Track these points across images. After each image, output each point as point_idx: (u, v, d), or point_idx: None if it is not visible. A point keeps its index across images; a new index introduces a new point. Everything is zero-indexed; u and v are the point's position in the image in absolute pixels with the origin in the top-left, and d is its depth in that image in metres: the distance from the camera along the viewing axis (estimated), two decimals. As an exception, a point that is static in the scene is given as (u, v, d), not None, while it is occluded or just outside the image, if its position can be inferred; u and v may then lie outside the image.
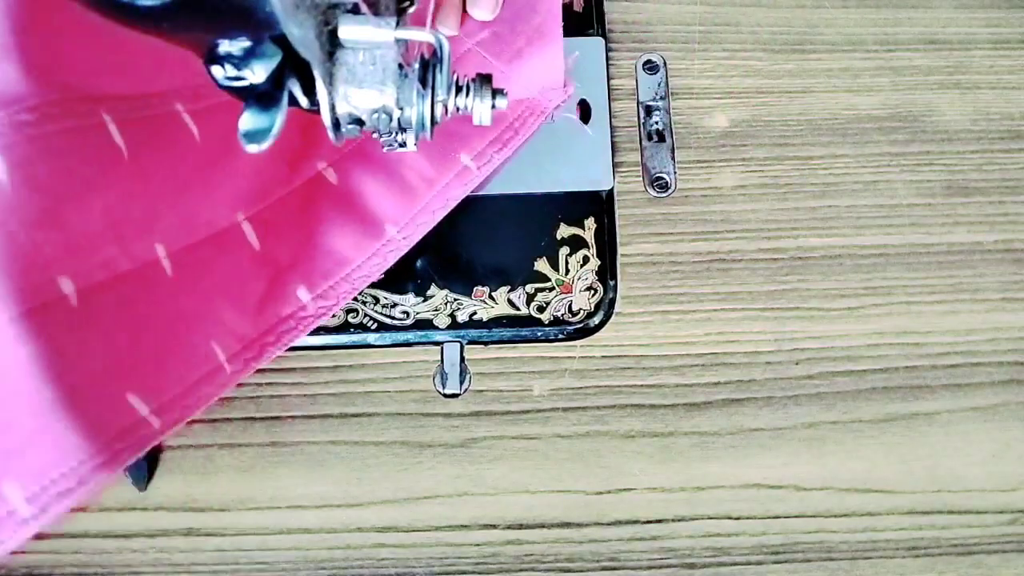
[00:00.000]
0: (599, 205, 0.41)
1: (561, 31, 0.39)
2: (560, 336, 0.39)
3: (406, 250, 0.38)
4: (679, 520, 0.37)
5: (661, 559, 0.36)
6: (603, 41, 0.44)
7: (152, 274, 0.33)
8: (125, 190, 0.32)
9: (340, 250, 0.38)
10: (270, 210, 0.38)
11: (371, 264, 0.38)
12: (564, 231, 0.40)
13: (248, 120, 0.25)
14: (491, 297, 0.39)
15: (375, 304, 0.39)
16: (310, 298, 0.37)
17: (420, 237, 0.38)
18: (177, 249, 0.34)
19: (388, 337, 0.39)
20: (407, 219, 0.38)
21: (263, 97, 0.25)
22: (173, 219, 0.34)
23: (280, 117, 0.25)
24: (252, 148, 0.25)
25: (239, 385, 0.38)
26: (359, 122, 0.27)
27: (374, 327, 0.39)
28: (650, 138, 0.42)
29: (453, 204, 0.38)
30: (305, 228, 0.38)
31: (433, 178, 0.39)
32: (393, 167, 0.39)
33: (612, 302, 0.39)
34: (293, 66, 0.25)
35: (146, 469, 0.37)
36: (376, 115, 0.27)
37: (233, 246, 0.37)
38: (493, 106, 0.31)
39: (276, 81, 0.25)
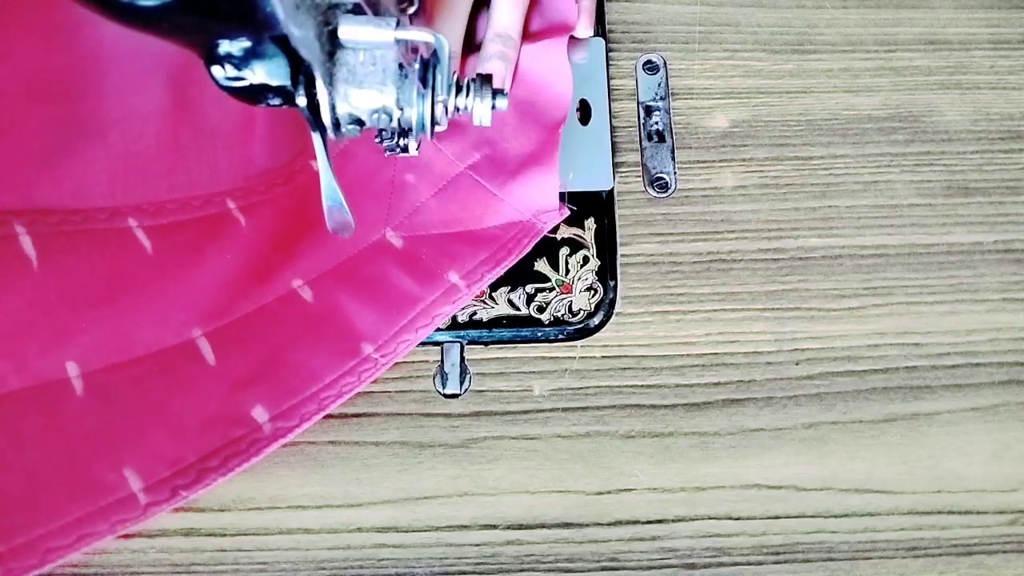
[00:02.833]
0: (599, 205, 0.41)
1: (557, 155, 0.38)
2: (560, 336, 0.39)
3: (383, 371, 0.36)
4: (679, 520, 0.37)
5: (661, 559, 0.36)
6: (603, 41, 0.44)
7: (55, 394, 0.31)
8: (28, 303, 0.30)
9: (309, 366, 0.35)
10: (233, 326, 0.35)
11: (342, 384, 0.35)
12: (564, 231, 0.40)
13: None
14: (491, 297, 0.39)
15: (375, 304, 0.39)
16: (267, 418, 0.34)
17: (401, 357, 0.36)
18: (99, 368, 0.32)
19: (388, 337, 0.39)
20: (387, 337, 0.36)
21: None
22: (98, 336, 0.32)
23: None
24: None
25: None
26: (359, 122, 0.27)
27: (374, 327, 0.39)
28: (650, 138, 0.42)
29: (440, 321, 0.37)
30: (270, 343, 0.35)
31: (418, 296, 0.37)
32: (375, 284, 0.37)
33: (612, 302, 0.39)
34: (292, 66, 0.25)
35: None
36: (376, 115, 0.27)
37: (181, 363, 0.34)
38: (493, 106, 0.31)
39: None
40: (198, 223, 0.34)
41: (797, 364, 0.39)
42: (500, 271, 0.38)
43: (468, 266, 0.38)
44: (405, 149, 0.30)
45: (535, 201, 0.39)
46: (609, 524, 0.37)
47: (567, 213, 0.39)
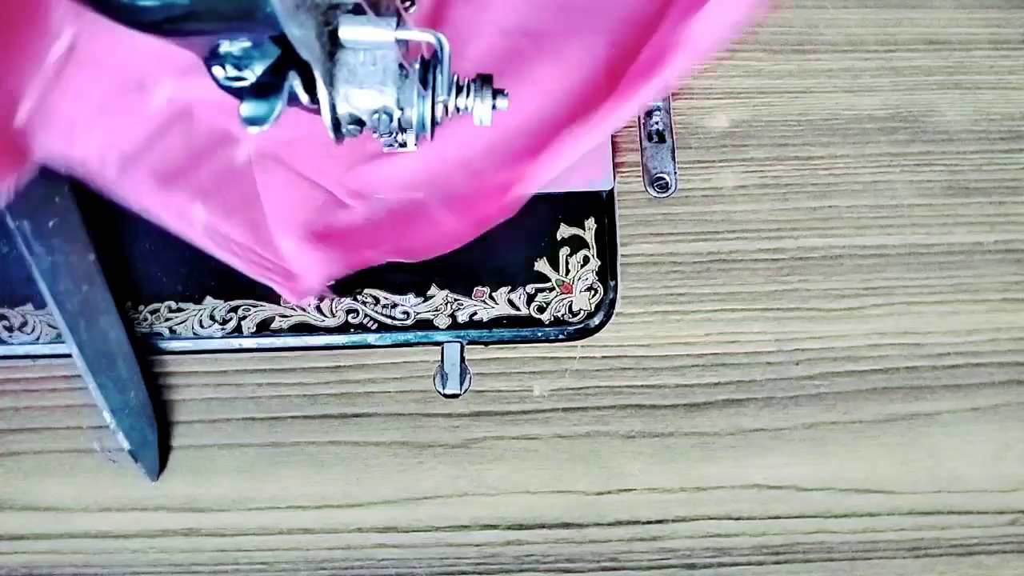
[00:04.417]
0: (599, 205, 0.41)
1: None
2: (560, 336, 0.39)
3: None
4: (679, 520, 0.37)
5: (661, 559, 0.36)
6: (603, 41, 0.44)
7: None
8: None
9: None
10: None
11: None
12: (564, 231, 0.40)
13: (248, 107, 0.25)
14: (491, 297, 0.39)
15: (375, 304, 0.39)
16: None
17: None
18: None
19: (388, 337, 0.39)
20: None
21: (263, 87, 0.25)
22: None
23: (280, 105, 0.25)
24: (253, 131, 0.25)
25: (238, 385, 0.38)
26: (359, 122, 0.27)
27: (374, 327, 0.39)
28: (650, 138, 0.42)
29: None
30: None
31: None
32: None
33: (612, 302, 0.39)
34: (294, 63, 0.25)
35: (158, 459, 0.37)
36: (376, 115, 0.27)
37: None
38: (494, 106, 0.31)
39: (276, 72, 0.25)
40: None
41: (797, 364, 0.39)
42: (247, 271, 0.36)
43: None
44: (404, 144, 0.30)
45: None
46: (609, 524, 0.37)
47: (321, 296, 0.38)
